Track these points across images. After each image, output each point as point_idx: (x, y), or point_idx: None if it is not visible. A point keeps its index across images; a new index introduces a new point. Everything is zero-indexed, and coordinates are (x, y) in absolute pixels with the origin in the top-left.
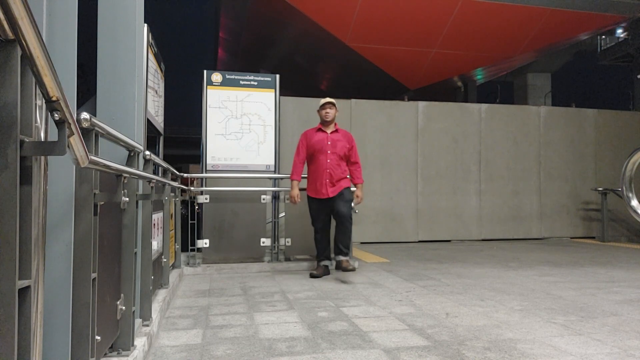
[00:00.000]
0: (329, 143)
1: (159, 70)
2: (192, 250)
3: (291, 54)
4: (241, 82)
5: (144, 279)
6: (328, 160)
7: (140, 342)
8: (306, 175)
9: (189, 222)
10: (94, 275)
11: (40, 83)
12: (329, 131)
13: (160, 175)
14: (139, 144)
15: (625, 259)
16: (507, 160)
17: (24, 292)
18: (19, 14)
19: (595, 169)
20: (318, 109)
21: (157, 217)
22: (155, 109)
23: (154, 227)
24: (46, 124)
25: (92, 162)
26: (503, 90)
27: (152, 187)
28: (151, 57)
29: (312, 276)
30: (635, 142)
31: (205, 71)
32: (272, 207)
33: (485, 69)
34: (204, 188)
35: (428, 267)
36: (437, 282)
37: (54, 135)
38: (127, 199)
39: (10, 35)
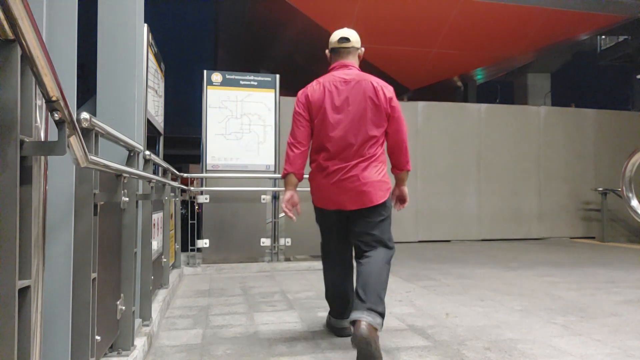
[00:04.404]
0: None
1: (159, 70)
2: (192, 250)
3: (291, 54)
4: (241, 82)
5: (144, 279)
6: None
7: (140, 342)
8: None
9: (189, 222)
10: (94, 275)
11: (40, 83)
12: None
13: (160, 175)
14: (139, 144)
15: (625, 259)
16: (507, 161)
17: (24, 292)
18: (19, 14)
19: (595, 169)
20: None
21: (157, 217)
22: (155, 109)
23: (154, 227)
24: (46, 124)
25: (92, 162)
26: (503, 90)
27: (152, 187)
28: (151, 57)
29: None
30: (635, 142)
31: (205, 71)
32: (272, 207)
33: (485, 69)
34: (204, 188)
35: (428, 268)
36: (437, 283)
37: (54, 135)
38: (127, 199)
39: (10, 35)
